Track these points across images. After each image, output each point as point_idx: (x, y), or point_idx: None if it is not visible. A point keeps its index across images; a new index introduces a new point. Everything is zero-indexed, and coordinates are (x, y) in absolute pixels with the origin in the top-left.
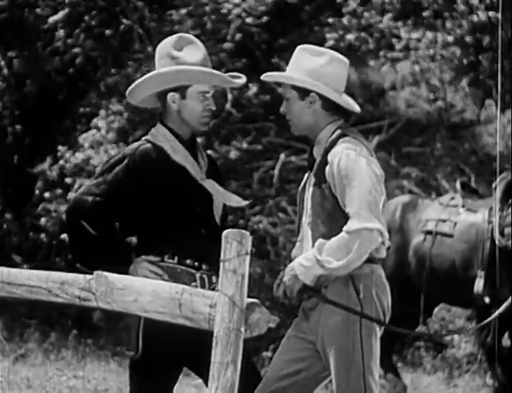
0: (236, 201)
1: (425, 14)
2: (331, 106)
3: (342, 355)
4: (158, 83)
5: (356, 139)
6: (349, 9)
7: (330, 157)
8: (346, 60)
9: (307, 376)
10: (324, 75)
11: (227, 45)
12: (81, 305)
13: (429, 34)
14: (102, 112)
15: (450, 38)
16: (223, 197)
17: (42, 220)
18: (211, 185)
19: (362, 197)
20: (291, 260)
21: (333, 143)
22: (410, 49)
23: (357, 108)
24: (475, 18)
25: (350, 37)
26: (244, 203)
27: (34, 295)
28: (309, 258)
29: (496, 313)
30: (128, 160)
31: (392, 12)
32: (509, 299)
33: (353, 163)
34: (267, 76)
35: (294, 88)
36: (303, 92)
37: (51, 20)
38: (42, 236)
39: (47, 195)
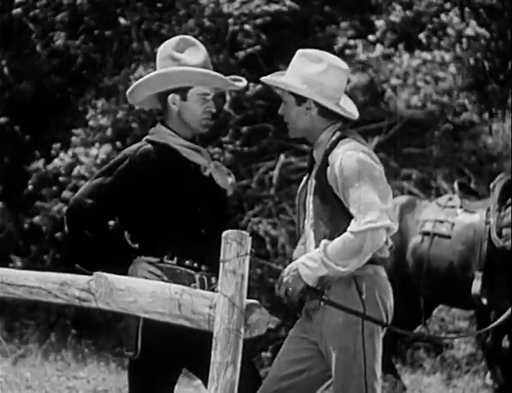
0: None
1: (421, 36)
2: (328, 113)
3: (344, 356)
4: (159, 84)
5: (355, 140)
6: (340, 45)
7: (330, 159)
8: (345, 66)
9: (310, 376)
10: (321, 83)
11: (226, 48)
12: (81, 306)
13: (425, 55)
14: (97, 112)
15: (447, 57)
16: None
17: (36, 218)
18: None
19: (366, 197)
20: (291, 261)
21: (333, 145)
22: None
23: (355, 114)
24: (470, 31)
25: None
26: (230, 192)
27: (34, 296)
28: (314, 259)
29: (497, 321)
30: (128, 160)
31: (386, 41)
32: (510, 310)
33: (355, 163)
34: (266, 79)
35: (292, 93)
36: (300, 99)
37: (51, 20)
38: (36, 234)
39: (41, 193)
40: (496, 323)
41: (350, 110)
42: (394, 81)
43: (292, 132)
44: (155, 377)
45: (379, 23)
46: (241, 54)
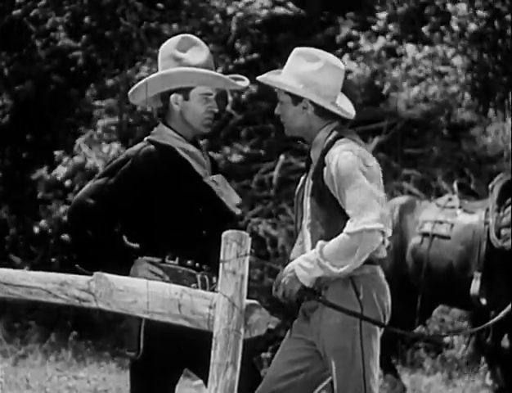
0: (232, 204)
1: (424, 29)
2: (324, 112)
3: (342, 356)
4: (161, 85)
5: (352, 140)
6: (343, 36)
7: (327, 159)
8: (341, 65)
9: (308, 377)
10: (317, 82)
11: (228, 47)
12: (81, 306)
13: (428, 49)
14: (100, 112)
15: (449, 52)
16: (225, 196)
17: (42, 221)
18: (218, 178)
19: (362, 198)
20: (289, 262)
21: (329, 145)
22: (411, 67)
23: (351, 113)
24: (473, 26)
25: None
26: (238, 211)
27: (34, 296)
28: (310, 260)
29: (496, 318)
30: (131, 161)
31: (389, 33)
32: (510, 306)
33: (351, 164)
34: (262, 78)
35: (288, 92)
36: (296, 98)
37: (52, 21)
38: (40, 236)
39: (46, 196)
40: (494, 321)
41: (347, 109)
42: (396, 73)
43: (289, 131)
44: (157, 377)
45: (382, 15)
46: (242, 58)
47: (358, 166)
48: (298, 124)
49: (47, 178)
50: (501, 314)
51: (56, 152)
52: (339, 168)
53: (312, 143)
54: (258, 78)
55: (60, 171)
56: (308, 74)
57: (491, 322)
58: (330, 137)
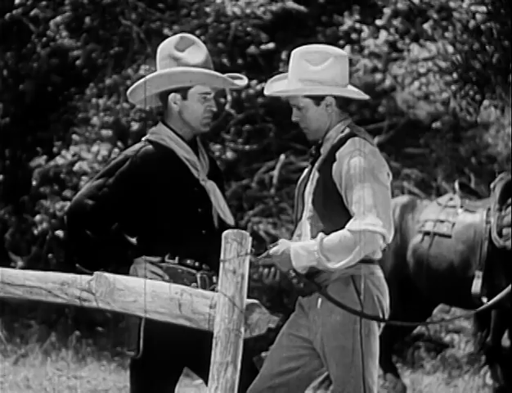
0: (224, 215)
1: (425, 26)
2: (344, 102)
3: (341, 355)
4: (159, 84)
5: (365, 139)
6: (345, 27)
7: (338, 155)
8: (345, 53)
9: (302, 374)
10: (332, 76)
11: (228, 47)
12: (81, 306)
13: (430, 45)
14: (99, 109)
15: (450, 48)
16: (217, 204)
17: (37, 217)
18: (211, 187)
19: (370, 199)
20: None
21: (342, 141)
22: (412, 63)
23: (365, 96)
24: (473, 23)
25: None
26: (230, 222)
27: (34, 296)
28: (308, 249)
29: (492, 301)
30: (129, 162)
31: (390, 28)
32: (509, 287)
33: (364, 164)
34: (279, 92)
35: (308, 96)
36: (319, 98)
37: (52, 21)
38: (36, 232)
39: (42, 190)
40: (492, 302)
41: (361, 93)
42: (396, 68)
43: (312, 135)
44: (157, 376)
45: (387, 10)
46: (242, 57)
47: (370, 167)
48: (323, 124)
49: (44, 170)
50: (497, 297)
51: (57, 143)
52: (350, 165)
53: (323, 139)
54: (268, 93)
55: (58, 162)
56: (320, 71)
57: (491, 302)
58: (343, 134)
